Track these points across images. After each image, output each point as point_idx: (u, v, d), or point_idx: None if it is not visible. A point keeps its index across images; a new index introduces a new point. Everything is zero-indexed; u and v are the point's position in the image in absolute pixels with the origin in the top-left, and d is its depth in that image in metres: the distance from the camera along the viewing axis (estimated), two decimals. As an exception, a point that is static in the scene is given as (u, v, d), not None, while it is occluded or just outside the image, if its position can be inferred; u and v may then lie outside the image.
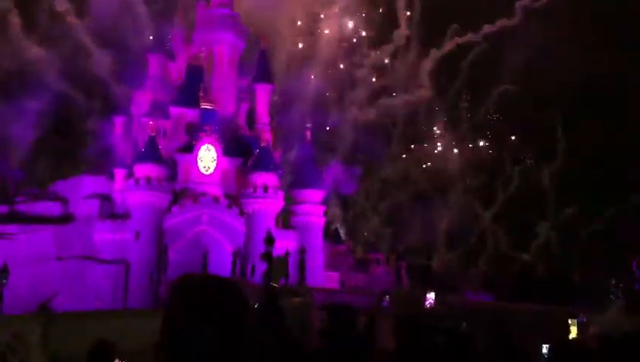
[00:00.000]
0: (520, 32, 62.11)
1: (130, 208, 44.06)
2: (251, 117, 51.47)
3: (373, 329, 7.26)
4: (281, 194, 47.17)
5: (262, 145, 47.69)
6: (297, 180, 50.30)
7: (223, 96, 49.68)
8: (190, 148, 45.92)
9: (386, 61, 68.19)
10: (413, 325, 5.52)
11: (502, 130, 71.11)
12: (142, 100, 48.26)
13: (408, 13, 66.90)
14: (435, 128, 71.58)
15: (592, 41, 56.55)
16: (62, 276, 43.31)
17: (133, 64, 48.57)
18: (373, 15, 69.24)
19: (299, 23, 65.99)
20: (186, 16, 52.60)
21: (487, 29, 65.43)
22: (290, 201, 49.23)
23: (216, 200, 44.59)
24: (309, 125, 52.95)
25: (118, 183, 45.89)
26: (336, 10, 67.46)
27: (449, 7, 60.53)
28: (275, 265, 38.04)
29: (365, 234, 64.22)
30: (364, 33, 70.44)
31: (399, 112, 66.93)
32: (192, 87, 47.61)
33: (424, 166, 69.04)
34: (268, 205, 46.11)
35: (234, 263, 42.19)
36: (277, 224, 47.05)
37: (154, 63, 49.32)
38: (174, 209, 43.88)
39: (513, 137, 71.19)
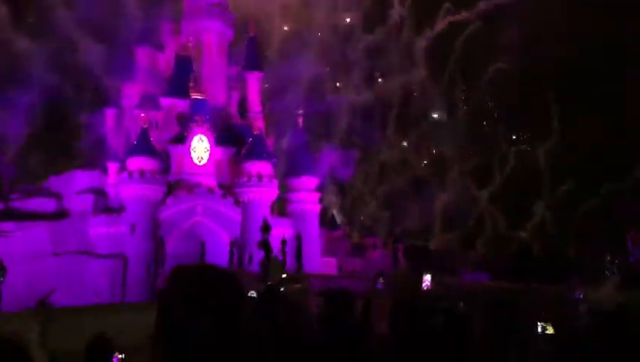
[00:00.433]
0: (514, 9, 61.69)
1: (124, 202, 43.86)
2: (243, 105, 51.21)
3: (369, 313, 7.29)
4: (275, 182, 47.00)
5: (254, 133, 47.47)
6: (291, 168, 50.09)
7: (213, 86, 49.40)
8: (182, 139, 45.69)
9: (380, 41, 67.63)
10: (410, 308, 5.53)
11: (496, 109, 70.94)
12: (132, 92, 47.95)
13: None
14: (431, 110, 71.38)
15: (588, 16, 56.07)
16: (58, 272, 43.18)
17: (122, 56, 48.18)
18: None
19: (290, 6, 65.41)
20: (174, 6, 52.15)
21: (481, 6, 64.98)
22: (285, 189, 49.12)
23: (210, 190, 44.43)
24: (301, 111, 52.71)
25: (112, 177, 45.68)
26: None
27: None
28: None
29: (362, 218, 64.21)
30: (356, 16, 69.90)
31: (394, 94, 66.68)
32: (182, 77, 47.31)
33: (422, 150, 68.89)
34: (263, 194, 45.98)
35: (231, 253, 42.20)
36: (272, 212, 46.97)
37: (143, 55, 48.98)
38: (169, 201, 43.71)
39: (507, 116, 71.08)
